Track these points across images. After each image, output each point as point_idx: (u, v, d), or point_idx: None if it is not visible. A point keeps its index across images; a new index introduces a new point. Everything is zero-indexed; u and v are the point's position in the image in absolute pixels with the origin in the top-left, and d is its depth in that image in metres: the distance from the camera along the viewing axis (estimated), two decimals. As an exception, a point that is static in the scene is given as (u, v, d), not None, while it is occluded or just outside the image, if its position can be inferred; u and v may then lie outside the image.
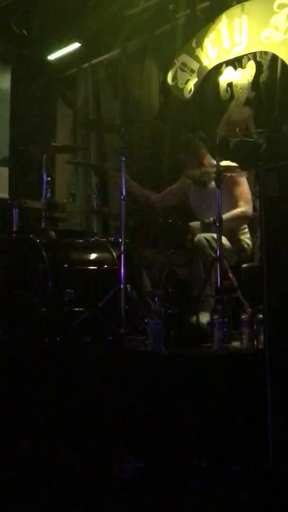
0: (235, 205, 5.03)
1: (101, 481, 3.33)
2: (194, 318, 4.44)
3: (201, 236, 4.73)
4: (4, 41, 7.39)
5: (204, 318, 4.46)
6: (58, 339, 4.31)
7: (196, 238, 4.74)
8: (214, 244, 4.57)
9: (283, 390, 3.16)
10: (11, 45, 7.42)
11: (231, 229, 5.00)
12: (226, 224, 4.67)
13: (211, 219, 4.55)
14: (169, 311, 4.47)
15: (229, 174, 4.76)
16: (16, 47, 7.45)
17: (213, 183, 4.97)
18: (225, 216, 4.72)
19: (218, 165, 4.61)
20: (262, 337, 3.53)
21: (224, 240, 4.83)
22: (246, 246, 5.08)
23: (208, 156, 5.27)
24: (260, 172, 3.35)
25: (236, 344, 4.22)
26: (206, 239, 4.69)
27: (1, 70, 7.63)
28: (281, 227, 3.24)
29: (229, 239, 4.94)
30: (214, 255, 4.51)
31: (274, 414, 3.18)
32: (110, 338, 4.41)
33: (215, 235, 4.54)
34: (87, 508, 3.02)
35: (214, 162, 4.86)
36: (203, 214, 5.14)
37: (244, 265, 5.03)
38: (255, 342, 3.92)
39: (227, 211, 4.90)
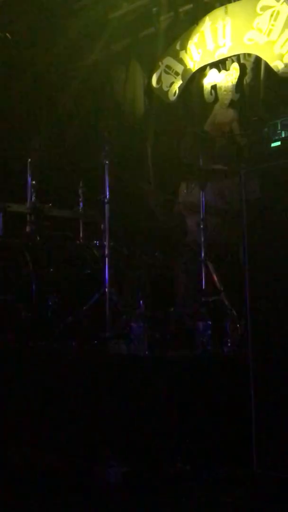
0: None
1: (86, 485, 3.32)
2: (179, 321, 4.43)
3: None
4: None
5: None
6: (42, 343, 4.29)
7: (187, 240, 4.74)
8: None
9: (266, 392, 3.16)
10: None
11: None
12: None
13: None
14: (154, 314, 4.47)
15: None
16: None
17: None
18: None
19: (202, 168, 4.61)
20: (245, 340, 3.52)
21: None
22: None
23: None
24: (242, 174, 3.35)
25: (220, 347, 4.22)
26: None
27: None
28: (262, 228, 3.24)
29: None
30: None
31: (257, 417, 3.18)
32: (95, 342, 4.40)
33: None
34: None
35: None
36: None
37: None
38: (239, 345, 3.91)
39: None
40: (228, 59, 6.28)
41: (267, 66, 5.87)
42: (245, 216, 3.34)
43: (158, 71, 6.89)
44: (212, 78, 6.43)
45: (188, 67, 6.64)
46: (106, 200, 4.52)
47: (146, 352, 3.75)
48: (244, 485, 3.24)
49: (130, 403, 3.47)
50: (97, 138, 4.78)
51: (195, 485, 3.25)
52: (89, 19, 7.14)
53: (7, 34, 7.00)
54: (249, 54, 6.10)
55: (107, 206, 4.53)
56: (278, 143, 3.26)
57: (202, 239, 4.48)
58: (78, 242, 5.09)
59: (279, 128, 3.27)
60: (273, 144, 3.28)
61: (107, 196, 4.53)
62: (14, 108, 7.46)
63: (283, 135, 3.25)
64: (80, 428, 3.52)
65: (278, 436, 3.11)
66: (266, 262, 3.21)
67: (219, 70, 6.37)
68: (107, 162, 4.58)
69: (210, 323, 3.92)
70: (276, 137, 3.27)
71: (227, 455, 3.44)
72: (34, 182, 5.21)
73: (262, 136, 3.33)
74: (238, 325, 3.88)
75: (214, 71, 6.41)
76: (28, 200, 5.17)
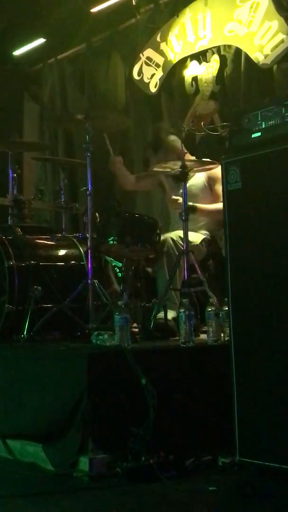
0: (215, 202, 5.01)
1: (68, 475, 3.34)
2: (162, 312, 4.46)
3: (168, 237, 4.74)
4: None
5: (171, 314, 4.48)
6: (25, 336, 4.30)
7: (162, 238, 4.73)
8: (180, 242, 4.59)
9: (248, 382, 3.19)
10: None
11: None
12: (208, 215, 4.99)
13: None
14: (137, 305, 4.49)
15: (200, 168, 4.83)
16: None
17: (194, 179, 5.02)
18: (211, 207, 4.98)
19: (183, 160, 4.61)
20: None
21: (192, 236, 4.86)
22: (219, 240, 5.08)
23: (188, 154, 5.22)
24: (223, 165, 3.37)
25: (203, 337, 4.25)
26: (172, 239, 4.71)
27: None
28: (243, 219, 3.26)
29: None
30: (182, 248, 4.51)
31: (239, 406, 3.21)
32: (78, 333, 4.42)
33: (181, 234, 4.54)
34: (54, 504, 3.02)
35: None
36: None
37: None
38: (222, 335, 3.95)
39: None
40: (209, 50, 6.29)
41: (247, 57, 5.88)
42: (226, 207, 3.36)
43: (139, 63, 6.89)
44: (192, 70, 6.43)
45: (168, 58, 6.65)
46: (88, 192, 4.53)
47: (129, 343, 3.77)
48: (226, 473, 3.28)
49: (112, 393, 3.48)
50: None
51: (178, 475, 3.28)
52: (70, 11, 7.13)
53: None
54: (229, 46, 6.11)
55: (89, 198, 4.53)
56: (259, 134, 3.28)
57: (184, 231, 4.48)
58: (60, 234, 5.07)
59: (259, 119, 3.29)
60: (253, 135, 3.30)
61: (90, 188, 4.52)
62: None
63: (263, 126, 3.27)
64: (63, 419, 3.53)
65: (260, 425, 3.14)
66: (247, 252, 3.24)
67: (200, 62, 6.38)
68: (88, 154, 4.57)
69: (192, 313, 3.95)
70: (257, 128, 3.30)
71: (211, 444, 3.47)
72: (15, 175, 5.21)
73: (243, 127, 3.35)
74: (220, 315, 3.91)
75: (194, 63, 6.42)
76: (10, 192, 5.17)
